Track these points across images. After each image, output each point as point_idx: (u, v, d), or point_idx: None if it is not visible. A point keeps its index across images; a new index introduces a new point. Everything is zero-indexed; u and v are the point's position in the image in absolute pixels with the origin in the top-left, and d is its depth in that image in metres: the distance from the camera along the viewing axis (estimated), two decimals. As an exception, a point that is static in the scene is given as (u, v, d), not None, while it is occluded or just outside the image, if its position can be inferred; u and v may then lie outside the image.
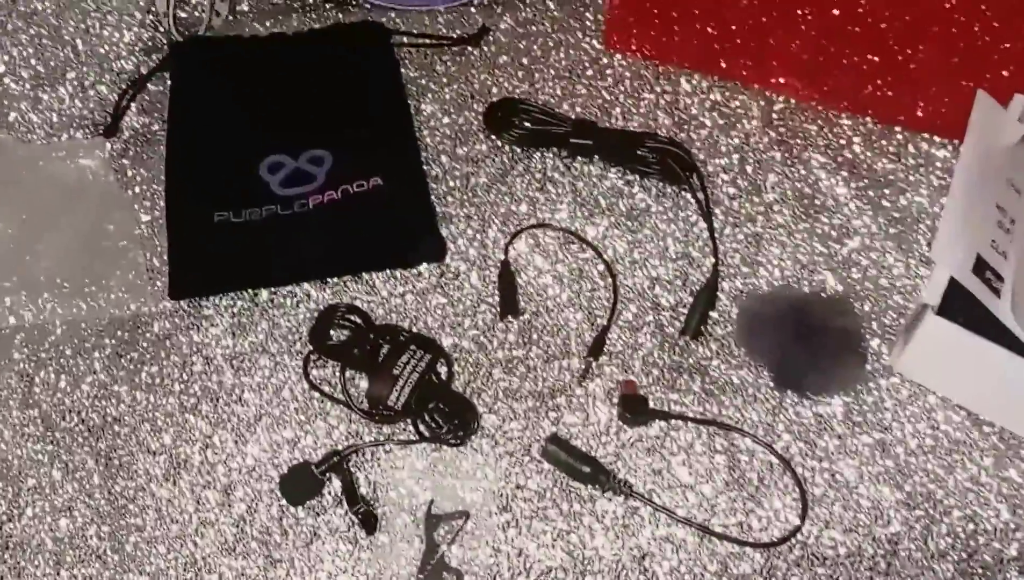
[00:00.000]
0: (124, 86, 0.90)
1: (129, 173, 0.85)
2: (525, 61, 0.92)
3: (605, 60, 0.92)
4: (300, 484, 0.69)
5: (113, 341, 0.77)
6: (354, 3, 0.96)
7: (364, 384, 0.73)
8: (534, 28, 0.94)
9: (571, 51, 0.93)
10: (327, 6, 0.96)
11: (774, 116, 0.88)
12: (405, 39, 0.92)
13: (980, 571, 0.67)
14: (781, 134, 0.87)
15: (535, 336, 0.76)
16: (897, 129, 0.86)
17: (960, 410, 0.73)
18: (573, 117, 0.86)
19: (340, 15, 0.95)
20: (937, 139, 0.85)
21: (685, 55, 0.90)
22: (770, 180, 0.84)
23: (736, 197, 0.83)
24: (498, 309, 0.77)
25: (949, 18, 0.77)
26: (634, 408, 0.71)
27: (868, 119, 0.87)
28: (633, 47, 0.91)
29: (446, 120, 0.88)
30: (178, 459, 0.72)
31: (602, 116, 0.88)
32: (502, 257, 0.80)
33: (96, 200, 0.84)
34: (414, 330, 0.75)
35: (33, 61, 0.93)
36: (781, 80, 0.88)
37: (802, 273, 0.79)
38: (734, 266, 0.80)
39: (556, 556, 0.68)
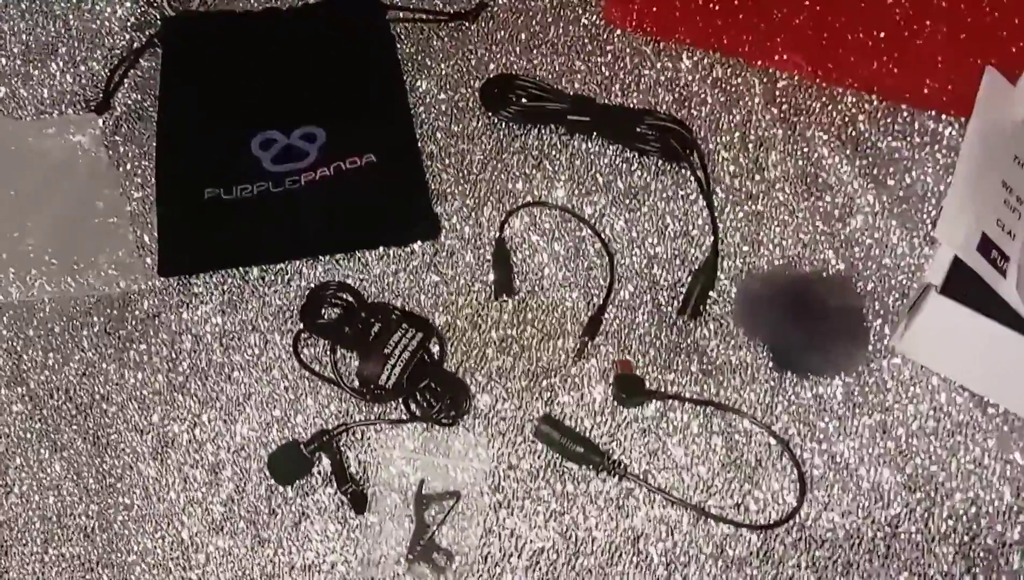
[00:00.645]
0: (116, 62, 0.90)
1: (121, 149, 0.85)
2: (523, 37, 0.91)
3: (605, 36, 0.91)
4: (289, 463, 0.68)
5: (102, 319, 0.76)
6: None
7: (355, 363, 0.72)
8: (533, 3, 0.93)
9: (570, 26, 0.92)
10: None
11: (777, 93, 0.87)
12: (401, 14, 0.91)
13: (982, 554, 0.66)
14: (784, 111, 0.85)
15: (530, 315, 0.75)
16: (903, 106, 0.85)
17: (963, 391, 0.72)
18: (571, 93, 0.85)
19: (335, -10, 0.94)
20: (943, 116, 0.84)
21: (687, 30, 0.89)
22: (772, 158, 0.83)
23: (737, 175, 0.82)
24: (493, 288, 0.77)
25: (956, -9, 0.76)
26: (630, 388, 0.71)
27: (873, 96, 0.86)
28: (633, 22, 0.90)
29: (442, 96, 0.87)
30: (166, 437, 0.71)
31: (601, 93, 0.87)
32: (497, 235, 0.79)
33: (86, 177, 0.83)
34: (406, 309, 0.75)
35: (24, 36, 0.92)
36: (784, 56, 0.87)
37: (804, 252, 0.78)
38: (734, 245, 0.78)
39: (549, 537, 0.67)
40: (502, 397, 0.72)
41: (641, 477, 0.68)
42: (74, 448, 0.71)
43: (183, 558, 0.67)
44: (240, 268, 0.78)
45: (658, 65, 0.88)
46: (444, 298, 0.76)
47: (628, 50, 0.90)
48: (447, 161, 0.83)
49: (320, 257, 0.78)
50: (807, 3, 0.82)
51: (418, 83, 0.88)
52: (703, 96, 0.87)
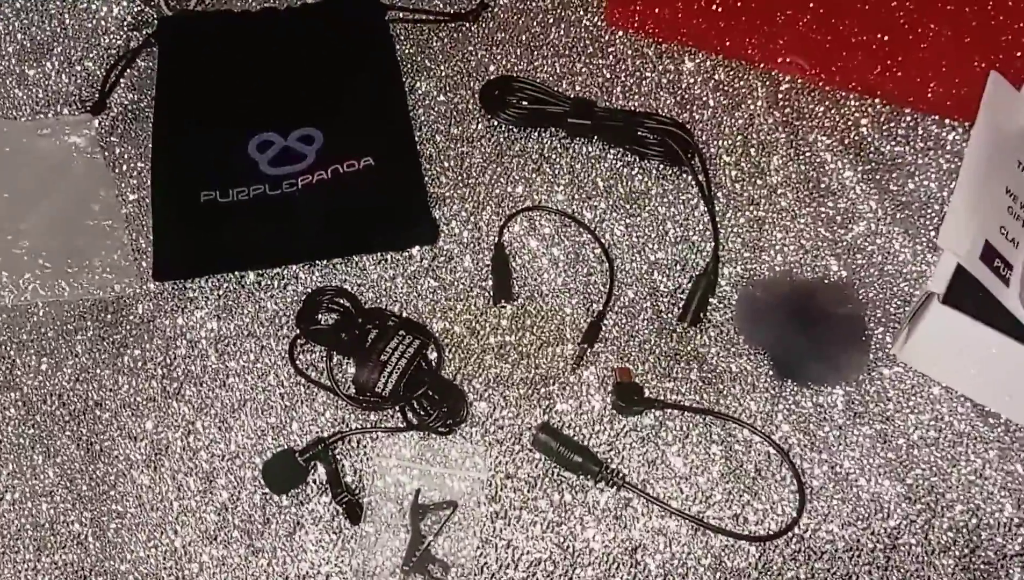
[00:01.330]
0: (112, 61, 0.89)
1: (117, 151, 0.84)
2: (524, 38, 0.90)
3: (606, 37, 0.90)
4: (284, 471, 0.68)
5: (96, 323, 0.76)
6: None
7: (352, 369, 0.71)
8: (534, 4, 0.92)
9: (571, 28, 0.91)
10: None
11: (779, 96, 0.86)
12: (400, 14, 0.90)
13: (982, 567, 0.66)
14: (786, 115, 0.85)
15: (529, 322, 0.75)
16: (906, 111, 0.84)
17: (965, 401, 0.71)
18: (572, 96, 0.84)
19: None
20: (947, 121, 0.83)
21: (689, 32, 0.88)
22: (774, 162, 0.82)
23: (739, 180, 0.81)
24: (491, 294, 0.76)
25: (961, -4, 0.75)
26: (629, 397, 0.70)
27: (876, 100, 0.85)
28: (635, 24, 0.89)
29: (441, 98, 0.86)
30: (160, 445, 0.71)
31: (602, 95, 0.86)
32: (496, 240, 0.78)
33: (81, 178, 0.82)
34: (404, 315, 0.74)
35: (19, 35, 0.91)
36: (787, 59, 0.86)
37: (805, 258, 0.77)
38: (735, 251, 0.78)
39: (546, 548, 0.67)
40: (500, 405, 0.71)
41: (639, 487, 0.68)
42: (67, 454, 0.71)
43: (176, 567, 0.67)
44: (236, 272, 0.77)
45: (660, 68, 0.88)
46: (442, 304, 0.76)
47: (630, 52, 0.89)
48: (446, 164, 0.83)
49: (317, 262, 0.77)
50: (811, 5, 0.81)
51: (417, 85, 0.87)
52: (705, 99, 0.86)
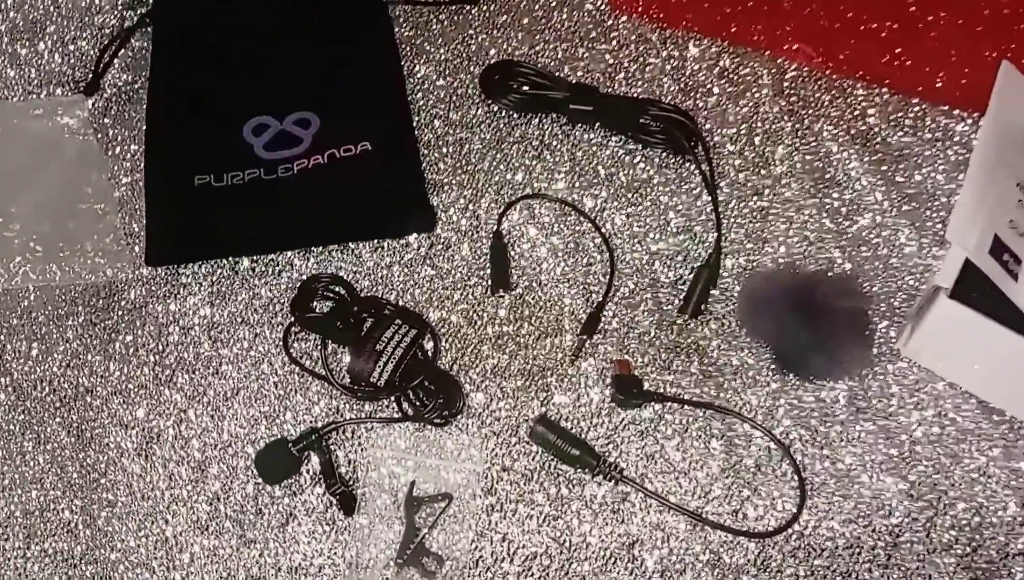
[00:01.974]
0: (106, 41, 0.88)
1: (110, 133, 0.83)
2: (526, 21, 0.89)
3: (610, 22, 0.89)
4: (277, 462, 0.67)
5: (87, 309, 0.75)
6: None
7: (347, 359, 0.71)
8: (536, -14, 0.91)
9: (574, 12, 0.89)
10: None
11: (785, 85, 0.85)
12: (400, -4, 0.89)
13: (984, 565, 0.66)
14: (792, 104, 0.84)
15: (527, 312, 0.74)
16: (914, 101, 0.83)
17: (969, 397, 0.71)
18: (573, 82, 0.83)
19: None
20: (956, 112, 0.82)
21: (694, 18, 0.87)
22: (779, 152, 0.81)
23: (743, 169, 0.80)
24: (489, 283, 0.75)
25: (973, -17, 0.74)
26: (627, 389, 0.69)
27: (884, 89, 0.84)
28: (639, 8, 0.88)
29: (440, 82, 0.85)
30: (151, 433, 0.70)
31: (605, 81, 0.85)
32: (495, 228, 0.77)
33: (74, 160, 0.81)
34: (400, 303, 0.73)
35: (11, 13, 0.90)
36: (794, 46, 0.85)
37: (809, 250, 0.77)
38: (738, 242, 0.77)
39: (542, 542, 0.66)
40: (497, 396, 0.71)
41: (637, 481, 0.67)
42: (57, 441, 0.70)
43: (167, 557, 0.66)
44: (230, 258, 0.76)
45: (664, 53, 0.86)
46: (439, 293, 0.75)
47: (633, 37, 0.88)
48: (444, 150, 0.82)
49: (312, 248, 0.77)
50: (818, -9, 0.80)
51: (416, 68, 0.86)
52: (709, 86, 0.85)
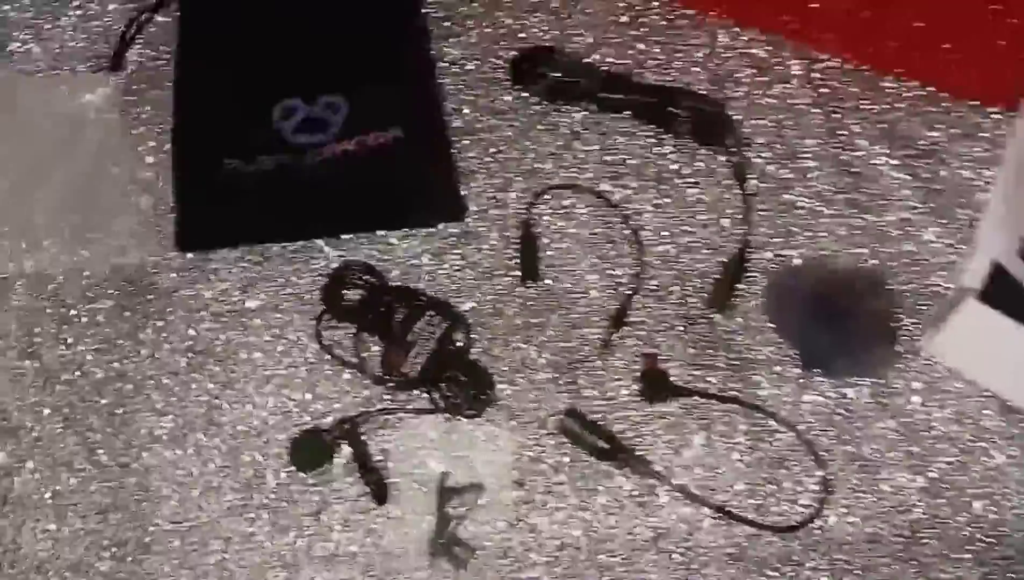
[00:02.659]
0: (131, 16, 0.88)
1: (135, 110, 0.84)
2: (555, 4, 0.89)
3: (640, 7, 0.89)
4: (310, 450, 0.69)
5: (117, 292, 0.76)
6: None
7: (378, 347, 0.72)
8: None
9: (604, -6, 0.90)
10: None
11: (816, 76, 0.85)
12: (430, -24, 0.89)
13: (1001, 562, 0.68)
14: (822, 96, 0.84)
15: (555, 303, 0.75)
16: (943, 95, 0.83)
17: (991, 397, 0.72)
18: (605, 70, 0.84)
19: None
20: (988, 109, 0.82)
21: (725, 5, 0.87)
22: (808, 145, 0.82)
23: (772, 161, 0.81)
24: (518, 273, 0.76)
25: (1010, -22, 0.74)
26: (655, 384, 0.71)
27: (915, 83, 0.84)
28: (671, -6, 0.88)
29: (470, 67, 0.86)
30: (183, 419, 0.72)
31: (634, 67, 0.86)
32: (524, 217, 0.78)
33: (100, 140, 0.82)
34: (430, 293, 0.74)
35: (35, -13, 0.90)
36: (825, 37, 0.85)
37: (836, 246, 0.78)
38: (766, 236, 0.78)
39: (570, 533, 0.68)
40: (526, 388, 0.72)
41: (664, 475, 0.69)
42: (88, 425, 0.72)
43: (201, 543, 0.68)
44: (260, 244, 0.77)
45: (694, 41, 0.87)
46: (468, 282, 0.76)
47: (663, 23, 0.88)
48: (474, 137, 0.82)
49: (342, 235, 0.78)
50: (852, -20, 0.80)
51: (445, 51, 0.86)
52: (739, 76, 0.85)
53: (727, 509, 0.68)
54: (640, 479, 0.69)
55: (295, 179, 0.77)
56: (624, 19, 0.88)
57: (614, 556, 0.68)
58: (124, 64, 0.86)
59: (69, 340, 0.75)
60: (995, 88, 0.81)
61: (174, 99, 0.82)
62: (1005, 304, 0.68)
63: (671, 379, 0.72)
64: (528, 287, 0.76)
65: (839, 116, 0.83)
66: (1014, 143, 0.73)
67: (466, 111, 0.83)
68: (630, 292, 0.76)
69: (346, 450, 0.69)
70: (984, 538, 0.68)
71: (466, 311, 0.75)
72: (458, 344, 0.72)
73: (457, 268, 0.77)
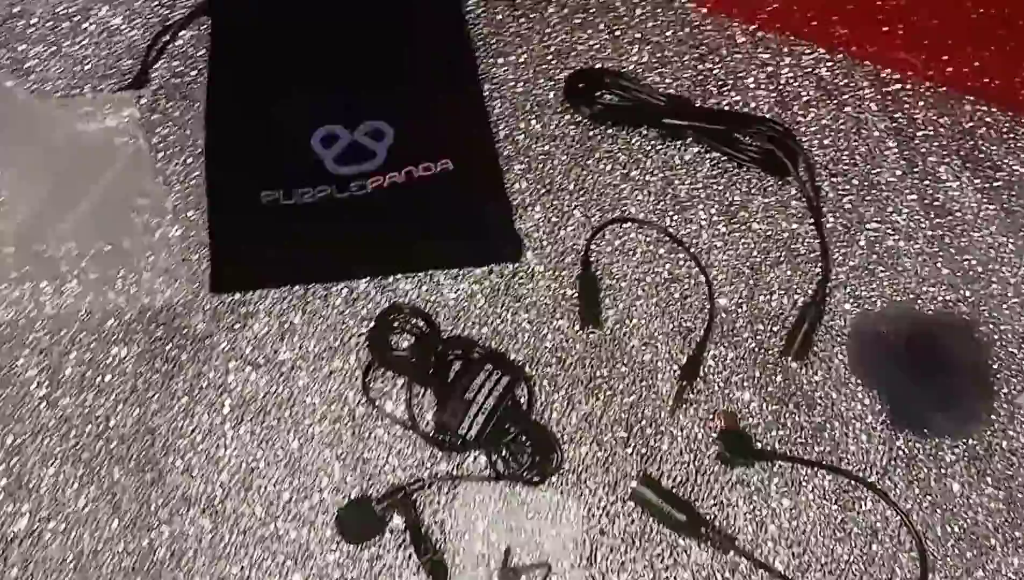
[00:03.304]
0: (156, 31, 0.77)
1: (161, 132, 0.73)
2: (608, 20, 0.78)
3: (697, 22, 0.78)
4: (359, 521, 0.58)
5: (145, 337, 0.65)
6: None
7: (428, 399, 0.62)
8: (619, -17, 0.80)
9: (659, 10, 0.79)
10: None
11: (888, 99, 0.75)
12: (474, -8, 0.78)
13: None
14: (896, 121, 0.74)
15: (618, 352, 0.65)
16: (1026, 120, 0.73)
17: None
18: (666, 93, 0.73)
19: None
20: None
21: (789, 21, 0.76)
22: (885, 176, 0.72)
23: (846, 193, 0.71)
24: (578, 317, 0.66)
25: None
26: (736, 446, 0.61)
27: (993, 107, 0.74)
28: (732, 9, 0.77)
29: (519, 88, 0.75)
30: (217, 481, 0.61)
31: (693, 88, 0.75)
32: (582, 255, 0.68)
33: (124, 167, 0.71)
34: (480, 338, 0.64)
35: (54, 1, 0.79)
36: (898, 56, 0.75)
37: (923, 287, 0.67)
38: (845, 275, 0.68)
39: (644, 613, 0.58)
40: (593, 450, 0.62)
41: (748, 549, 0.59)
42: (113, 483, 0.61)
43: (239, 623, 0.58)
44: (300, 285, 0.67)
45: (757, 60, 0.76)
46: (524, 327, 0.66)
47: (723, 40, 0.77)
48: (526, 166, 0.72)
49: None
50: (927, -2, 0.70)
51: (492, 72, 0.75)
52: (806, 98, 0.75)
53: (814, 585, 0.59)
54: (721, 554, 0.59)
55: (338, 213, 0.66)
56: (681, 34, 0.77)
57: (692, 638, 0.58)
58: (149, 80, 0.75)
59: (93, 388, 0.64)
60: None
61: (206, 125, 0.71)
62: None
63: (753, 440, 0.62)
64: (590, 333, 0.66)
65: (916, 143, 0.73)
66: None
67: (518, 137, 0.73)
68: (700, 339, 0.65)
69: (397, 519, 0.59)
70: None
71: (521, 360, 0.64)
72: (520, 400, 0.62)
73: (511, 311, 0.66)
